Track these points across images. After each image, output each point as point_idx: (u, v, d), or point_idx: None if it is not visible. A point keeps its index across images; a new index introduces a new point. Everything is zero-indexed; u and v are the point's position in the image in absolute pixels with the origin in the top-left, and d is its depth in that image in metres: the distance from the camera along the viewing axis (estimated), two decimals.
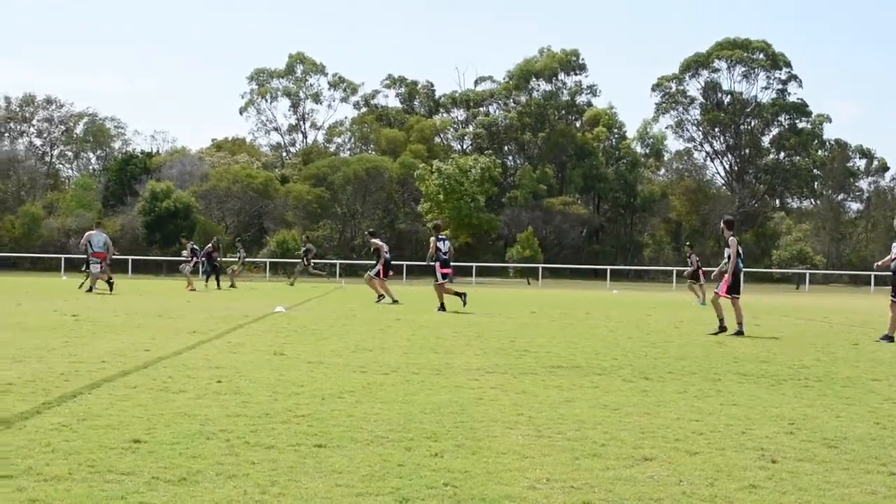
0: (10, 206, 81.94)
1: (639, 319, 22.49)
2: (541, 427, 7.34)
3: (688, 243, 40.79)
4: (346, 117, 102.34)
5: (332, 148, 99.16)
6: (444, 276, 24.59)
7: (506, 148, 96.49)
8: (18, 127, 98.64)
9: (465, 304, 24.48)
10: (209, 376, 9.79)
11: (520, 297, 38.36)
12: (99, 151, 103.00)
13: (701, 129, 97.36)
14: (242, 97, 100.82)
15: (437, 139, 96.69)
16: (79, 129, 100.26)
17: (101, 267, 31.05)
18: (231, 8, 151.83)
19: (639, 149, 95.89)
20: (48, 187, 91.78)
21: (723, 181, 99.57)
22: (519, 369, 11.13)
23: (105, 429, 6.83)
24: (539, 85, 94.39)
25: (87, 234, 33.02)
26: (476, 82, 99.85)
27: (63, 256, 66.07)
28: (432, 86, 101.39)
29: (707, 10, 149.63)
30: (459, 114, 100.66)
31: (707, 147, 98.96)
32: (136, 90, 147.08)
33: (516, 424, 7.45)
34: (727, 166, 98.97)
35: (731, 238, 18.35)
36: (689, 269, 34.07)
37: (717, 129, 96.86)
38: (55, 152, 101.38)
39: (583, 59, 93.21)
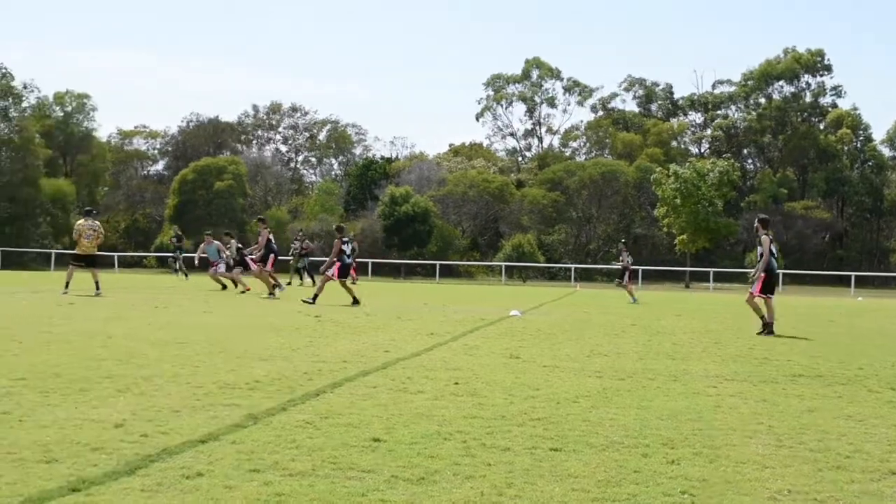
0: (257, 210, 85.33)
1: (883, 327, 21.57)
2: (782, 437, 7.13)
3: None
4: (581, 121, 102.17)
5: (568, 152, 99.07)
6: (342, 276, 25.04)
7: (745, 151, 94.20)
8: (266, 134, 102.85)
9: (312, 302, 23.71)
10: (446, 378, 9.93)
11: None
12: (341, 157, 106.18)
13: None
14: (479, 103, 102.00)
15: (674, 143, 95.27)
16: (322, 136, 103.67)
17: (221, 269, 33.10)
18: (468, 15, 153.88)
19: (886, 151, 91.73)
20: (293, 192, 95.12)
21: None
22: (759, 377, 10.83)
23: (346, 427, 7.02)
24: (781, 87, 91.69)
25: (201, 245, 35.75)
26: (714, 85, 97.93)
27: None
28: (671, 88, 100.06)
29: None
30: (697, 117, 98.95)
31: None
32: (377, 97, 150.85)
33: (756, 433, 7.25)
34: None
35: (764, 237, 17.93)
36: None
37: None
38: (300, 158, 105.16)
39: (828, 60, 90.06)
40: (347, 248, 25.30)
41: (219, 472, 5.47)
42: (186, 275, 45.38)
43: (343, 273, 25.12)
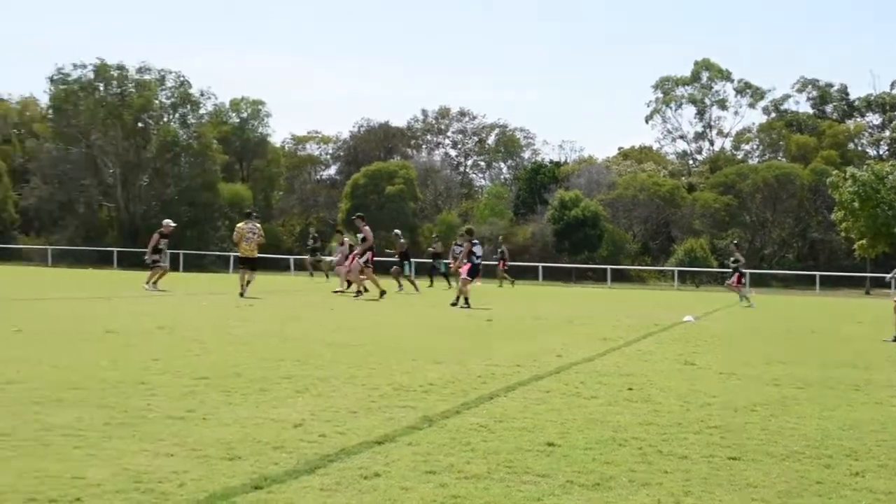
0: (428, 214, 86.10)
1: None
2: None
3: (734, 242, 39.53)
4: (753, 123, 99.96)
5: (740, 155, 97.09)
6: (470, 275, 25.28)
7: None
8: (435, 139, 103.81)
9: (466, 305, 24.26)
10: (620, 383, 9.85)
11: None
12: (510, 161, 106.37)
13: None
14: (647, 105, 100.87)
15: (851, 145, 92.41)
16: (490, 140, 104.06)
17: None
18: (637, 17, 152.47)
19: None
20: (462, 196, 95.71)
21: None
22: None
23: (521, 431, 7.01)
24: None
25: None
26: (892, 85, 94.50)
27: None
28: (846, 89, 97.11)
29: None
30: (874, 118, 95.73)
31: None
32: (545, 101, 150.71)
33: None
34: None
35: None
36: None
37: None
38: (469, 162, 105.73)
39: None
40: (478, 251, 25.77)
41: (395, 473, 5.53)
42: (312, 274, 46.53)
43: (472, 273, 25.52)
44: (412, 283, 35.13)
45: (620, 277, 69.82)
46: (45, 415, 7.00)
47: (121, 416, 7.01)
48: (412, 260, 37.16)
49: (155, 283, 28.75)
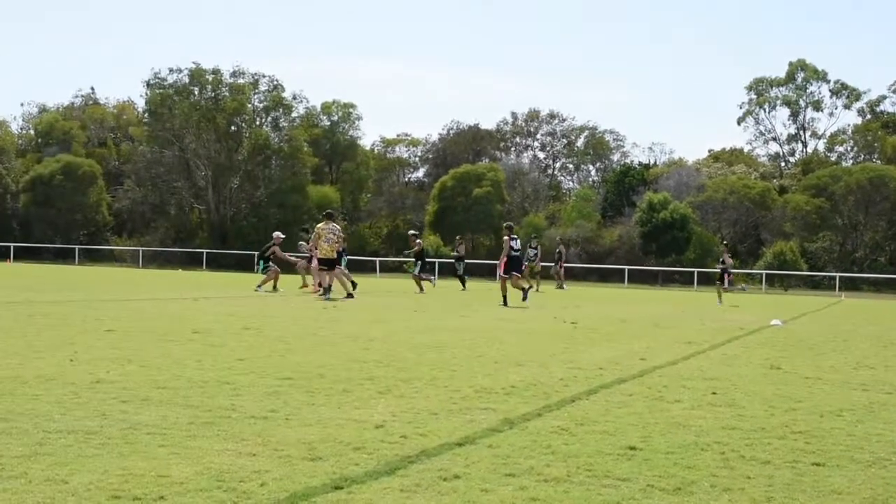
0: (514, 216, 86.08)
1: None
2: None
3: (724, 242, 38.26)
4: (848, 125, 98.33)
5: (834, 157, 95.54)
6: (506, 272, 25.76)
7: None
8: (524, 141, 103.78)
9: (524, 298, 25.32)
10: (704, 387, 9.76)
11: None
12: (598, 164, 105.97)
13: None
14: (740, 107, 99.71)
15: None
16: (579, 142, 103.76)
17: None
18: (731, 17, 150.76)
19: None
20: (550, 199, 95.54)
21: None
22: None
23: (602, 434, 6.99)
24: None
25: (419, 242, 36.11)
26: None
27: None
28: None
29: None
30: None
31: None
32: (636, 102, 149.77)
33: None
34: None
35: None
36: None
37: None
38: (557, 165, 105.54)
39: None
40: (516, 245, 26.05)
41: (475, 475, 5.54)
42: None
43: (512, 268, 25.98)
44: (418, 282, 35.02)
45: (707, 280, 69.06)
46: (131, 413, 7.14)
47: (205, 416, 7.12)
48: (426, 260, 36.97)
49: (268, 286, 29.56)
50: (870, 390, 10.06)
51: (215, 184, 78.15)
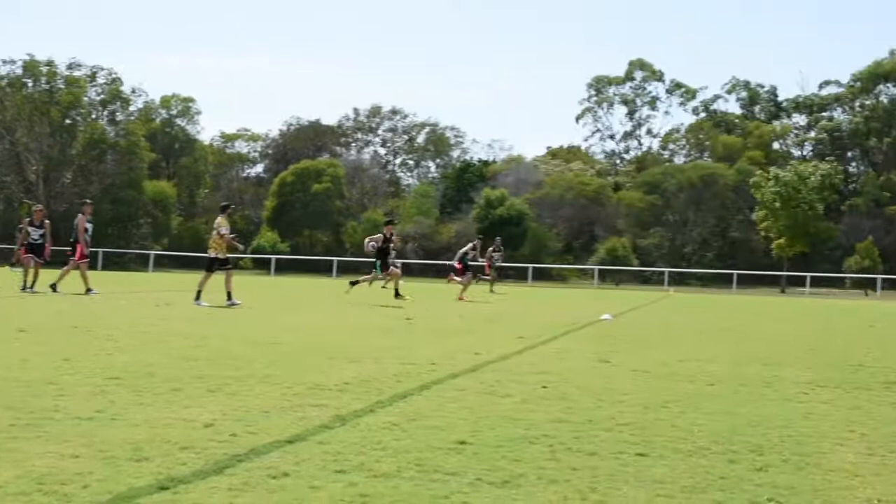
0: (353, 212, 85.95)
1: None
2: (873, 445, 6.97)
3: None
4: (682, 123, 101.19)
5: (667, 155, 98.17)
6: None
7: (848, 154, 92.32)
8: (365, 137, 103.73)
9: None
10: (535, 381, 9.90)
11: (856, 308, 36.65)
12: (438, 160, 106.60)
13: None
14: (580, 104, 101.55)
15: (776, 145, 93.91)
16: (420, 139, 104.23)
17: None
18: (569, 17, 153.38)
19: None
20: (389, 194, 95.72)
21: None
22: (852, 384, 10.61)
23: (433, 429, 7.03)
24: (888, 88, 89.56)
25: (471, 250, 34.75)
26: (820, 86, 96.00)
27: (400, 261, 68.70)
28: (775, 90, 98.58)
29: None
30: (801, 119, 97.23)
31: None
32: (475, 98, 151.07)
33: (847, 441, 7.11)
34: None
35: None
36: None
37: None
38: (397, 161, 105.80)
39: None
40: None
41: (305, 473, 5.51)
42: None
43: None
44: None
45: (542, 276, 70.22)
46: None
47: (27, 417, 6.90)
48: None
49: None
50: (695, 382, 10.35)
51: (46, 178, 76.01)
